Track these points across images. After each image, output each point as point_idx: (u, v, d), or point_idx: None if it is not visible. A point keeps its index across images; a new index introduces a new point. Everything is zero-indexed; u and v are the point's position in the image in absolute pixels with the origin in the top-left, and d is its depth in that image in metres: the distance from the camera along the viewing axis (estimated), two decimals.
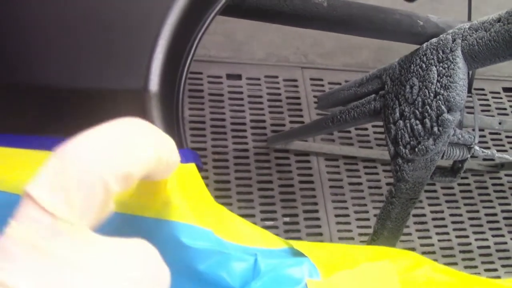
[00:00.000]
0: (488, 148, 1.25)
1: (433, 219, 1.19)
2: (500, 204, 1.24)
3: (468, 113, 0.85)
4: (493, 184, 1.26)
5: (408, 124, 0.72)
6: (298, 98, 1.26)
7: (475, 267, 1.16)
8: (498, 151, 0.76)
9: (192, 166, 0.32)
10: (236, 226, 0.32)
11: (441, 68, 0.67)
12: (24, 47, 0.28)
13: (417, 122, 0.70)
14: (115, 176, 0.20)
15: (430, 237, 1.17)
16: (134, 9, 0.33)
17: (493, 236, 1.20)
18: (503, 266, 1.17)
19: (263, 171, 1.17)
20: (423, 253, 1.14)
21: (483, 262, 1.16)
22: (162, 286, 0.21)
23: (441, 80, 0.66)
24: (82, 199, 0.19)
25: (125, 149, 0.20)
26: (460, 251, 1.17)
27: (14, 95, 0.29)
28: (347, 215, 1.16)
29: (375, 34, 0.69)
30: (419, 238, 1.17)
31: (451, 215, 1.21)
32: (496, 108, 1.34)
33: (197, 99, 1.20)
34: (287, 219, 1.13)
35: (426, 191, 1.23)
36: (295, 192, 1.17)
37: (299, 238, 1.09)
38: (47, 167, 0.19)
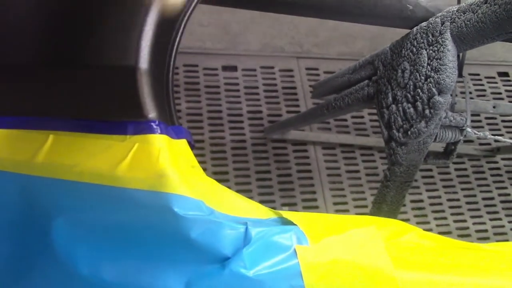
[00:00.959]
0: None
1: (431, 204, 1.21)
2: (497, 188, 1.25)
3: (462, 98, 0.86)
4: (490, 169, 1.27)
5: (400, 108, 0.73)
6: (294, 88, 1.27)
7: None
8: (494, 135, 0.77)
9: (183, 142, 0.33)
10: (227, 198, 0.33)
11: (431, 51, 0.68)
12: (13, 24, 0.29)
13: (409, 105, 0.71)
14: None
15: (428, 222, 1.18)
16: None
17: (491, 219, 1.21)
18: None
19: (261, 162, 1.18)
20: None
21: None
22: None
23: (432, 63, 0.67)
24: None
25: None
26: (458, 235, 1.18)
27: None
28: (345, 203, 1.17)
29: (365, 19, 0.70)
30: (417, 223, 1.18)
31: (449, 199, 1.22)
32: (491, 93, 1.35)
33: (194, 92, 1.21)
34: (286, 208, 1.14)
35: (423, 176, 1.24)
36: (293, 181, 1.18)
37: None
38: None
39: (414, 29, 0.71)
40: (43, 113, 0.32)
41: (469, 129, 0.73)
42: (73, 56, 0.31)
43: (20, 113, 0.32)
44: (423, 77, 0.68)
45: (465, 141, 1.28)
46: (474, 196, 1.24)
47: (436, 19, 0.67)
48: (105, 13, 0.30)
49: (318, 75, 1.30)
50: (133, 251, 0.30)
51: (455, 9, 0.65)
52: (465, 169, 1.26)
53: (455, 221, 1.19)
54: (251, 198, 1.11)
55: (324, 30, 1.33)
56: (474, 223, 1.20)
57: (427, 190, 1.22)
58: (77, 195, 0.30)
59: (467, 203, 1.23)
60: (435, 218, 1.19)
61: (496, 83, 1.37)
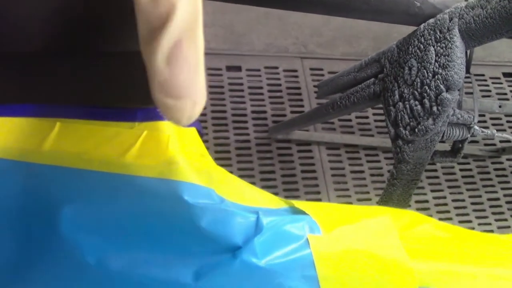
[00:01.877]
0: None
1: (436, 205, 1.20)
2: (502, 189, 1.24)
3: (468, 98, 0.85)
4: (495, 169, 1.27)
5: (407, 105, 0.72)
6: (299, 88, 1.27)
7: None
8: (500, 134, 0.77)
9: (193, 130, 0.33)
10: (238, 187, 0.32)
11: (439, 48, 0.67)
12: (24, 10, 0.28)
13: (416, 102, 0.70)
14: None
15: None
16: None
17: (496, 220, 1.20)
18: None
19: (265, 162, 1.17)
20: None
21: None
22: None
23: (439, 59, 0.67)
24: None
25: None
26: None
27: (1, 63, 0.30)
28: (350, 203, 1.16)
29: (371, 15, 0.70)
30: None
31: (454, 200, 1.21)
32: (497, 94, 1.34)
33: None
34: None
35: (428, 177, 1.23)
36: (298, 181, 1.18)
37: None
38: None
39: (422, 26, 0.70)
40: (50, 101, 0.31)
41: (476, 127, 0.72)
42: (87, 44, 0.30)
43: (27, 101, 0.32)
44: (430, 74, 0.68)
45: (470, 142, 1.28)
46: (480, 196, 1.23)
47: (444, 15, 0.67)
48: None
49: (322, 75, 1.29)
50: (142, 240, 0.29)
51: (463, 5, 0.64)
52: (470, 170, 1.26)
53: (460, 222, 1.18)
54: None
55: (328, 30, 1.33)
56: (479, 224, 1.19)
57: (432, 191, 1.22)
58: (85, 183, 0.30)
59: (472, 203, 1.22)
60: (440, 219, 1.18)
61: (501, 83, 1.36)
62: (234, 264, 0.29)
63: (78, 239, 0.30)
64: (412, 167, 0.76)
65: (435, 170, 1.24)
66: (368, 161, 1.22)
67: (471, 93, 0.77)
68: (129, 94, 0.30)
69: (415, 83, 0.70)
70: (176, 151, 0.29)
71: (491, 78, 1.36)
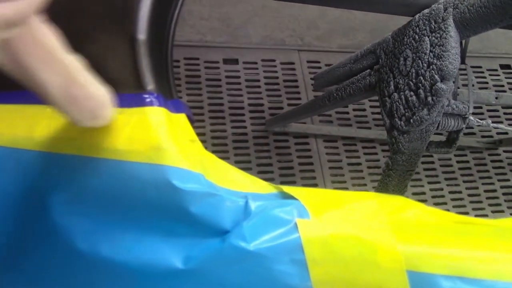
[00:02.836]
0: None
1: (433, 196, 1.20)
2: (499, 180, 1.25)
3: (464, 89, 0.85)
4: (492, 161, 1.27)
5: (402, 96, 0.72)
6: (296, 81, 1.27)
7: None
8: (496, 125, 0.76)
9: (182, 117, 0.33)
10: (227, 172, 0.32)
11: (433, 38, 0.67)
12: None
13: (411, 93, 0.70)
14: None
15: None
16: None
17: (493, 212, 1.21)
18: None
19: (263, 154, 1.18)
20: None
21: None
22: None
23: (434, 50, 0.67)
24: None
25: None
26: None
27: None
28: None
29: (366, 5, 0.70)
30: None
31: (451, 192, 1.21)
32: (494, 85, 1.34)
33: (195, 85, 1.21)
34: None
35: (424, 169, 1.23)
36: (295, 174, 1.18)
37: None
38: None
39: (417, 16, 0.70)
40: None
41: (471, 117, 0.72)
42: (72, 28, 0.30)
43: (18, 87, 0.32)
44: (425, 64, 0.68)
45: (467, 134, 1.28)
46: (476, 188, 1.23)
47: (439, 5, 0.66)
48: None
49: (319, 67, 1.29)
50: (131, 226, 0.29)
51: None
52: (467, 162, 1.26)
53: (457, 213, 1.19)
54: None
55: (324, 23, 1.32)
56: (476, 215, 1.20)
57: (429, 183, 1.22)
58: (76, 169, 0.30)
59: (469, 195, 1.22)
60: None
61: (498, 75, 1.36)
62: (223, 248, 0.29)
63: (70, 225, 0.30)
64: (407, 157, 0.76)
65: (432, 162, 1.25)
66: (365, 153, 1.22)
67: (468, 81, 0.77)
68: (115, 79, 0.30)
69: (410, 73, 0.70)
70: (165, 136, 0.29)
71: (488, 70, 1.36)
